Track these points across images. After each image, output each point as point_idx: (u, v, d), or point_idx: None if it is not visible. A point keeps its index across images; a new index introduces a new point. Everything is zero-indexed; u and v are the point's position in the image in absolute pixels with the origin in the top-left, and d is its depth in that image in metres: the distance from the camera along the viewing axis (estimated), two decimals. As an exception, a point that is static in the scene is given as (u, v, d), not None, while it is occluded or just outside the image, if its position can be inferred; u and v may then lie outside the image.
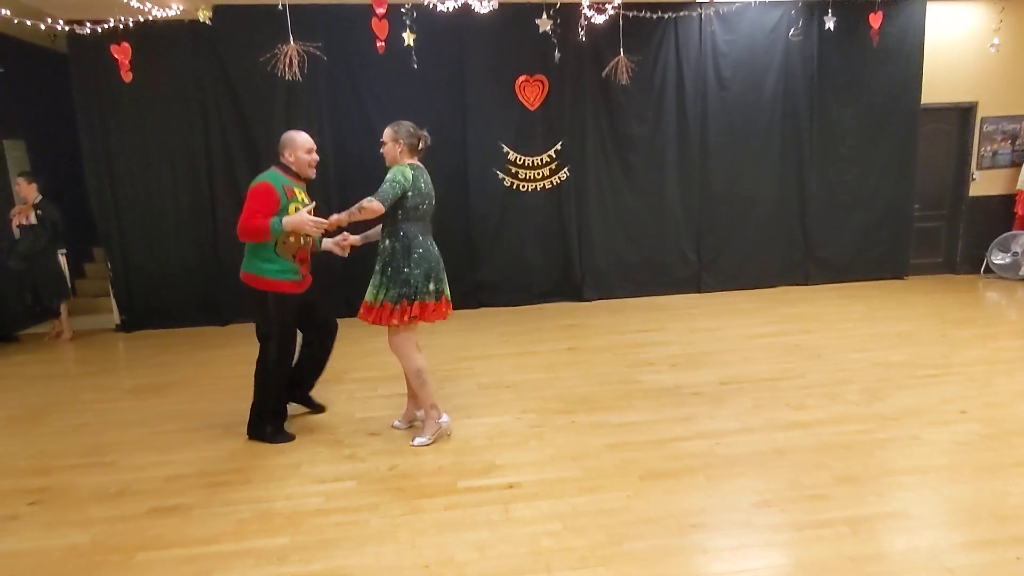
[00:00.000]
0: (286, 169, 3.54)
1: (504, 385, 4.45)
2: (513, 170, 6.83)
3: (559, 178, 6.92)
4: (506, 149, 6.78)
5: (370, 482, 3.14)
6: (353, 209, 3.26)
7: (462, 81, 6.61)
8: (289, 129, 3.66)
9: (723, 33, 6.88)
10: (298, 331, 3.75)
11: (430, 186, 3.45)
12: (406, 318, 3.36)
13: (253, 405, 3.68)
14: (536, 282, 7.09)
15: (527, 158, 6.84)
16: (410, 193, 3.30)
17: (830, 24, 5.98)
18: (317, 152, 3.63)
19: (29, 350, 6.06)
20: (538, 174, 6.89)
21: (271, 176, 3.47)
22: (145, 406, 4.37)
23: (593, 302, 7.08)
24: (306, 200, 3.54)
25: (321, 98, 6.39)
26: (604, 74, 6.56)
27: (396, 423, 3.80)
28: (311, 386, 4.08)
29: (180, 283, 6.59)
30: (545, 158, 6.87)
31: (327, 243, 3.70)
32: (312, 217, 3.34)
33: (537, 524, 2.70)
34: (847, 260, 7.53)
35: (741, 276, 7.36)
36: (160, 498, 3.05)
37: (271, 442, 3.63)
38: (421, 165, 3.46)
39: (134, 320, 6.58)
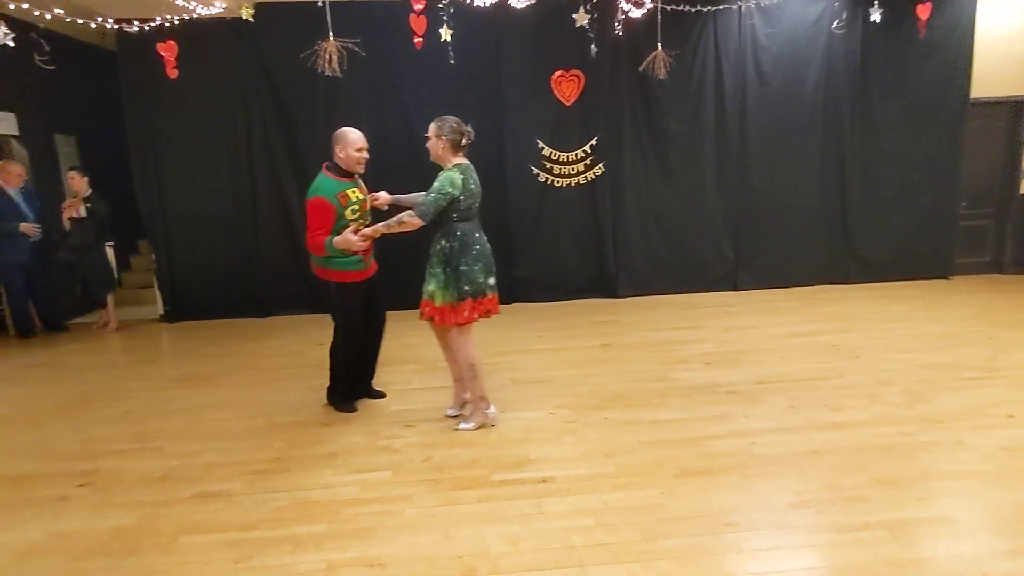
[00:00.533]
0: (336, 169, 3.65)
1: (538, 380, 4.46)
2: (548, 166, 6.82)
3: (594, 174, 6.88)
4: (541, 145, 6.77)
5: (405, 473, 3.19)
6: (392, 221, 3.39)
7: (498, 76, 6.62)
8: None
9: (764, 26, 6.76)
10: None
11: (478, 184, 3.49)
12: (475, 315, 3.42)
13: (331, 376, 4.03)
14: (570, 278, 7.08)
15: (562, 154, 6.82)
16: (462, 197, 3.35)
17: (876, 16, 5.82)
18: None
19: (78, 339, 6.29)
20: (573, 170, 6.87)
21: (322, 188, 3.58)
22: (189, 395, 4.50)
23: (627, 299, 7.03)
24: (360, 195, 3.69)
25: (360, 94, 6.46)
26: (641, 69, 6.49)
27: (449, 411, 3.84)
28: (370, 378, 4.23)
29: (221, 276, 6.75)
30: (580, 153, 6.84)
31: (338, 240, 3.59)
32: (356, 237, 3.50)
33: (570, 519, 2.70)
34: (889, 259, 7.34)
35: (779, 274, 7.23)
36: (203, 484, 3.15)
37: (339, 410, 3.99)
38: (468, 163, 3.48)
39: (177, 311, 6.78)
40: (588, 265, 7.09)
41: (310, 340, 5.74)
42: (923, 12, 5.74)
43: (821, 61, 6.88)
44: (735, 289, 7.21)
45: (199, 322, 6.72)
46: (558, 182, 6.86)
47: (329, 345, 3.96)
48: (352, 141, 3.63)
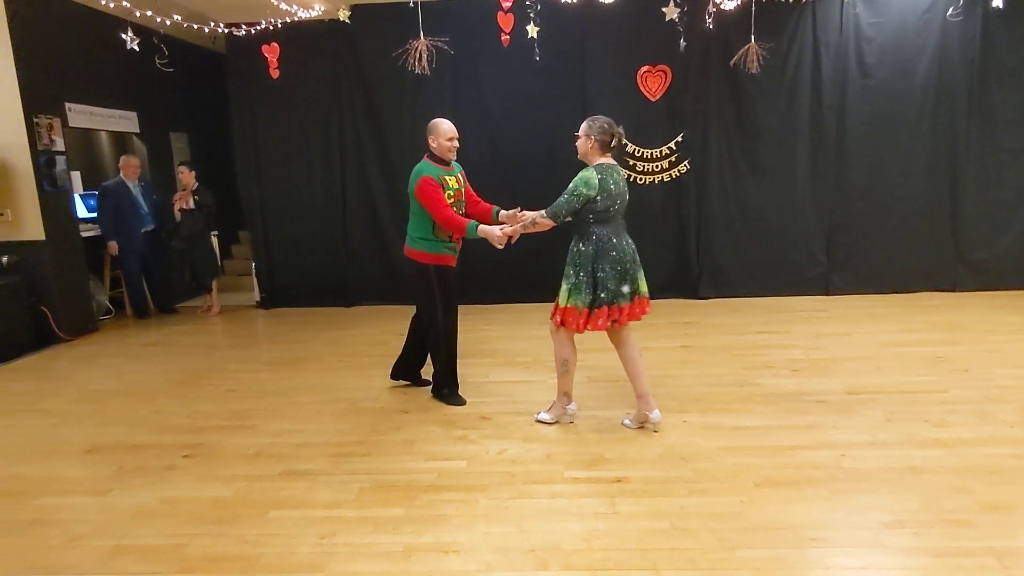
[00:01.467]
0: (433, 156, 3.84)
1: (615, 380, 4.40)
2: (631, 163, 6.71)
3: (679, 171, 6.72)
4: (625, 141, 6.64)
5: (480, 464, 3.24)
6: (527, 222, 3.46)
7: (583, 73, 6.56)
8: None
9: (868, 16, 6.36)
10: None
11: (621, 185, 3.42)
12: (600, 323, 3.37)
13: (434, 371, 4.12)
14: (650, 277, 6.86)
15: (646, 150, 6.69)
16: (598, 197, 3.30)
17: (998, 1, 5.35)
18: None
19: (186, 321, 6.78)
20: (657, 167, 6.72)
21: (428, 169, 3.76)
22: (280, 377, 4.76)
23: (710, 300, 6.83)
24: (456, 184, 3.86)
25: (445, 91, 6.56)
26: (732, 63, 6.28)
27: (626, 421, 3.68)
28: (421, 365, 4.35)
29: (312, 266, 7.09)
30: (665, 150, 6.69)
31: (484, 229, 3.65)
32: (501, 234, 3.56)
33: (644, 521, 2.67)
34: (1007, 265, 6.73)
35: (876, 278, 6.80)
36: (291, 463, 3.33)
37: (447, 403, 4.05)
38: (613, 163, 3.45)
39: (272, 298, 7.17)
40: (669, 264, 6.93)
41: (392, 330, 5.93)
42: (1055, -5, 5.23)
43: (933, 51, 6.40)
44: (827, 293, 6.85)
45: (291, 309, 7.08)
46: (641, 179, 6.74)
47: (429, 344, 4.07)
48: (444, 131, 3.82)
